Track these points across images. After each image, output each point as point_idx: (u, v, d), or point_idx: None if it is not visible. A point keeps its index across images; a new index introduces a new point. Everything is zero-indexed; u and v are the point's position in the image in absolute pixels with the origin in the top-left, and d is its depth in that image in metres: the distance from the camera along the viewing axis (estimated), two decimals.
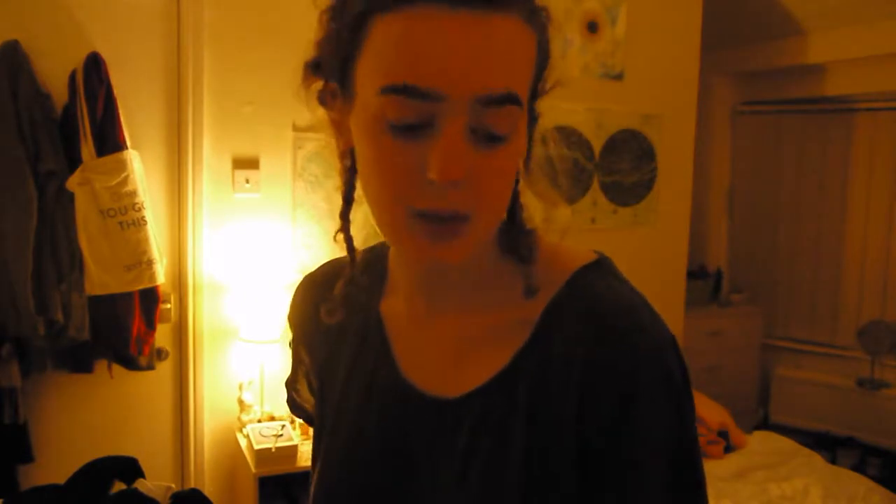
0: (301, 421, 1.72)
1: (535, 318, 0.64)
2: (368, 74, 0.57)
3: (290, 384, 0.88)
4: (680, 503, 0.60)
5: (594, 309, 0.62)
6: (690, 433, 0.62)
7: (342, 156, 0.67)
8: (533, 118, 0.65)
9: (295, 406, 0.89)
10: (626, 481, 0.59)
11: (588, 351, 0.60)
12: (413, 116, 0.54)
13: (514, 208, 0.67)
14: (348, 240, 0.70)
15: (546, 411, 0.61)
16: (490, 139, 0.56)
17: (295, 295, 0.83)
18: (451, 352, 0.68)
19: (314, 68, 0.64)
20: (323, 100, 0.64)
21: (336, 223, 0.70)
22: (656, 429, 0.59)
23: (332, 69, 0.61)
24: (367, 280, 0.75)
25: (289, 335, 0.86)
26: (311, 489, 0.75)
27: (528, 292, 0.64)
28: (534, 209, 0.69)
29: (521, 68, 0.58)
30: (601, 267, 0.67)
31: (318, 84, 0.64)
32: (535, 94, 0.64)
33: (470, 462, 0.64)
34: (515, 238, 0.67)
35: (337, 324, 0.74)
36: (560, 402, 0.61)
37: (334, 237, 0.71)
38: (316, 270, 0.82)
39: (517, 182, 0.67)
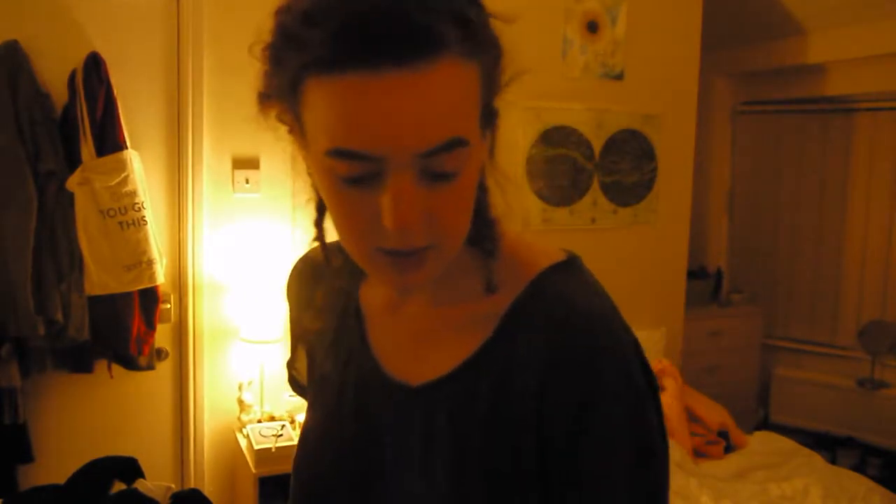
0: (301, 420, 1.72)
1: (498, 314, 0.65)
2: (312, 132, 0.57)
3: (290, 364, 0.89)
4: None
5: (557, 311, 0.62)
6: (652, 437, 0.61)
7: (308, 170, 0.66)
8: (492, 115, 0.64)
9: (296, 384, 0.91)
10: (586, 483, 0.59)
11: (550, 353, 0.61)
12: (359, 171, 0.55)
13: (479, 198, 0.67)
14: (324, 248, 0.73)
15: (507, 408, 0.62)
16: (440, 177, 0.56)
17: (292, 272, 0.85)
18: (418, 340, 0.71)
19: (267, 98, 0.63)
20: (282, 119, 0.64)
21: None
22: (616, 432, 0.59)
23: (283, 104, 0.61)
24: (347, 271, 0.76)
25: (287, 313, 0.88)
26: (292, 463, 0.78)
27: (488, 289, 0.66)
28: (498, 198, 0.69)
29: (464, 108, 0.56)
30: (569, 267, 0.67)
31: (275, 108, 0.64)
32: (492, 96, 0.63)
33: (430, 448, 0.65)
34: (479, 230, 0.66)
35: (325, 303, 0.78)
36: (521, 401, 0.61)
37: (309, 245, 0.74)
38: (312, 250, 0.84)
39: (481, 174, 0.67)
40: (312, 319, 0.78)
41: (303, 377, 0.88)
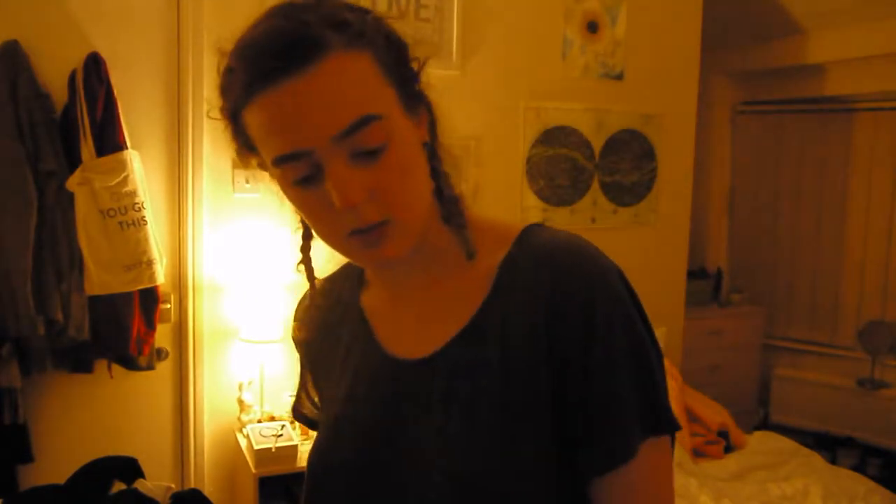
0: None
1: (491, 274, 0.73)
2: (262, 154, 0.69)
3: (298, 408, 0.98)
4: (645, 403, 0.67)
5: (545, 254, 0.71)
6: (642, 336, 0.70)
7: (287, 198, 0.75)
8: (417, 98, 0.72)
9: (307, 420, 0.97)
10: (598, 380, 0.66)
11: (548, 289, 0.69)
12: (304, 171, 0.65)
13: (437, 179, 0.75)
14: (309, 270, 0.83)
15: (516, 353, 0.69)
16: (370, 154, 0.65)
17: (296, 309, 0.93)
18: (421, 321, 0.77)
19: (241, 154, 0.73)
20: (262, 166, 0.73)
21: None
22: (616, 332, 0.67)
23: (252, 153, 0.72)
24: (347, 288, 0.87)
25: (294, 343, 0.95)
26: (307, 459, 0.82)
27: (469, 255, 0.74)
28: (454, 175, 0.78)
29: (363, 89, 0.65)
30: (542, 226, 0.76)
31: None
32: (408, 82, 0.71)
33: (448, 409, 0.70)
34: (446, 207, 0.75)
35: (327, 327, 0.87)
36: (529, 341, 0.68)
37: (296, 268, 0.84)
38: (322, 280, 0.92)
39: (434, 157, 0.75)
40: (296, 329, 0.89)
41: (307, 409, 0.95)
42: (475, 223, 0.77)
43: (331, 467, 0.77)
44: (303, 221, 0.79)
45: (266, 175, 0.73)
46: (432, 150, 0.75)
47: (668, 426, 0.68)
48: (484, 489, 0.66)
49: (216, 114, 0.71)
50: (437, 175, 0.75)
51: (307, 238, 0.81)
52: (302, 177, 0.66)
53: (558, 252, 0.71)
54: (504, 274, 0.72)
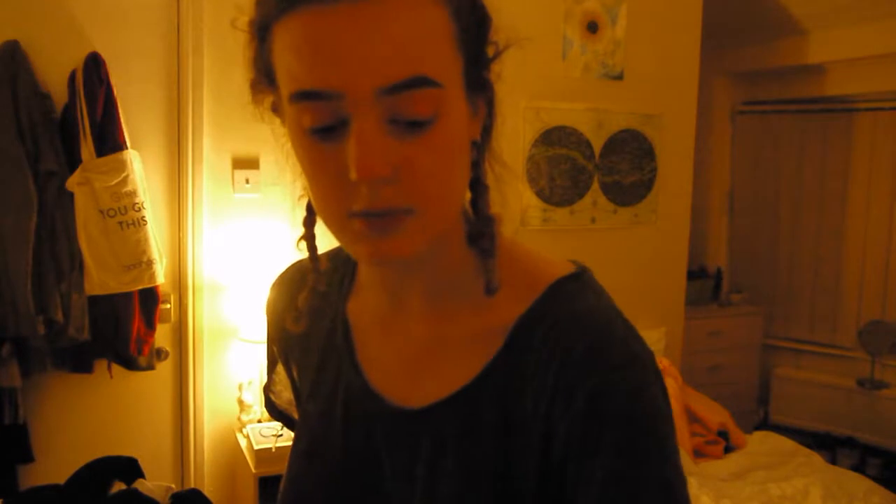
0: None
1: (506, 327, 0.61)
2: (282, 85, 0.56)
3: (267, 387, 0.85)
4: None
5: (570, 324, 0.59)
6: (665, 456, 0.55)
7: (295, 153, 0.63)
8: (482, 86, 0.60)
9: (274, 409, 0.86)
10: (582, 495, 0.55)
11: (561, 367, 0.57)
12: (325, 118, 0.53)
13: (476, 192, 0.64)
14: (312, 248, 0.69)
15: (516, 426, 0.59)
16: (412, 126, 0.53)
17: (269, 294, 0.81)
18: (417, 358, 0.66)
19: (256, 85, 0.62)
20: (275, 108, 0.62)
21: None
22: (625, 450, 0.54)
23: (268, 85, 0.60)
24: (335, 281, 0.73)
25: (266, 332, 0.84)
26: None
27: (489, 290, 0.61)
28: (495, 192, 0.65)
29: (428, 45, 0.52)
30: (580, 279, 0.63)
31: (269, 97, 0.62)
32: (479, 62, 0.59)
33: (434, 476, 0.61)
34: (477, 226, 0.63)
35: (308, 306, 0.72)
36: (531, 418, 0.58)
37: (296, 244, 0.70)
38: (287, 269, 0.81)
39: (478, 165, 0.63)
40: (294, 321, 0.71)
41: (282, 400, 0.84)
42: (506, 252, 0.64)
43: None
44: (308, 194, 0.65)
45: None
46: (480, 154, 0.63)
47: None
48: None
49: (243, 24, 0.59)
50: (477, 185, 0.63)
51: (312, 211, 0.67)
52: (321, 125, 0.53)
53: (587, 329, 0.58)
54: (520, 334, 0.61)
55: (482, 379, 0.61)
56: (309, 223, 0.68)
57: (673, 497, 0.54)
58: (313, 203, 0.59)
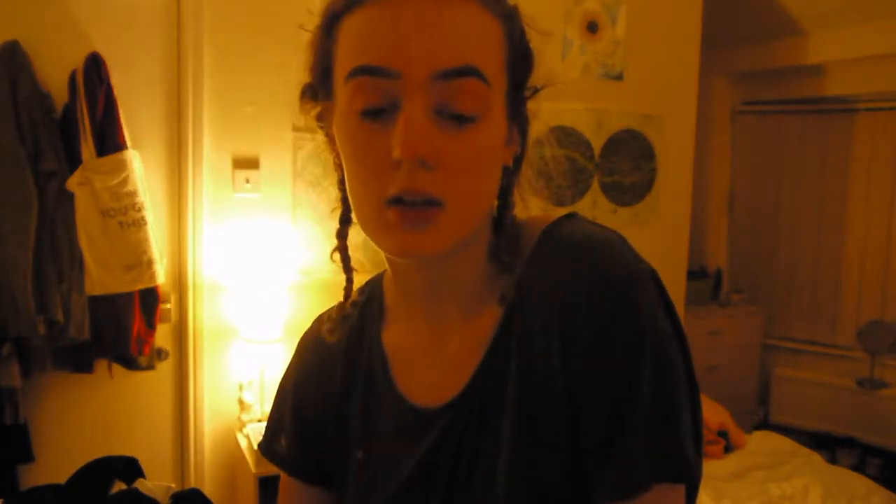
0: None
1: (509, 293, 0.63)
2: (340, 73, 0.60)
3: (272, 440, 0.82)
4: (660, 443, 0.57)
5: (566, 253, 0.62)
6: (670, 365, 0.60)
7: (337, 171, 0.68)
8: (520, 116, 0.65)
9: (275, 456, 0.82)
10: (610, 412, 0.58)
11: (563, 296, 0.60)
12: (377, 99, 0.57)
13: (503, 207, 0.67)
14: (345, 259, 0.72)
15: (532, 379, 0.61)
16: (457, 119, 0.57)
17: (296, 353, 0.82)
18: (448, 366, 0.67)
19: (309, 91, 0.66)
20: (321, 117, 0.67)
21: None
22: (636, 358, 0.57)
23: (321, 84, 0.64)
24: (371, 314, 0.75)
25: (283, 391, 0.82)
26: None
27: (501, 300, 0.64)
28: (521, 211, 0.68)
29: (481, 46, 0.58)
30: (573, 217, 0.66)
31: (316, 107, 0.67)
32: (520, 91, 0.64)
33: (499, 466, 0.62)
34: (500, 241, 0.66)
35: (331, 373, 0.75)
36: (545, 361, 0.60)
37: (331, 255, 0.72)
38: (310, 329, 0.81)
39: (508, 191, 0.66)
40: (329, 332, 0.74)
41: (287, 451, 0.81)
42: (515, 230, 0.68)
43: None
44: (343, 201, 0.69)
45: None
46: (510, 180, 0.66)
47: (683, 474, 0.58)
48: None
49: (311, 24, 0.63)
50: (505, 204, 0.66)
51: (345, 222, 0.70)
52: (372, 106, 0.57)
53: (582, 253, 0.61)
54: (521, 289, 0.63)
55: (487, 360, 0.64)
56: (342, 234, 0.71)
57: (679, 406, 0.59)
58: (350, 191, 0.62)
